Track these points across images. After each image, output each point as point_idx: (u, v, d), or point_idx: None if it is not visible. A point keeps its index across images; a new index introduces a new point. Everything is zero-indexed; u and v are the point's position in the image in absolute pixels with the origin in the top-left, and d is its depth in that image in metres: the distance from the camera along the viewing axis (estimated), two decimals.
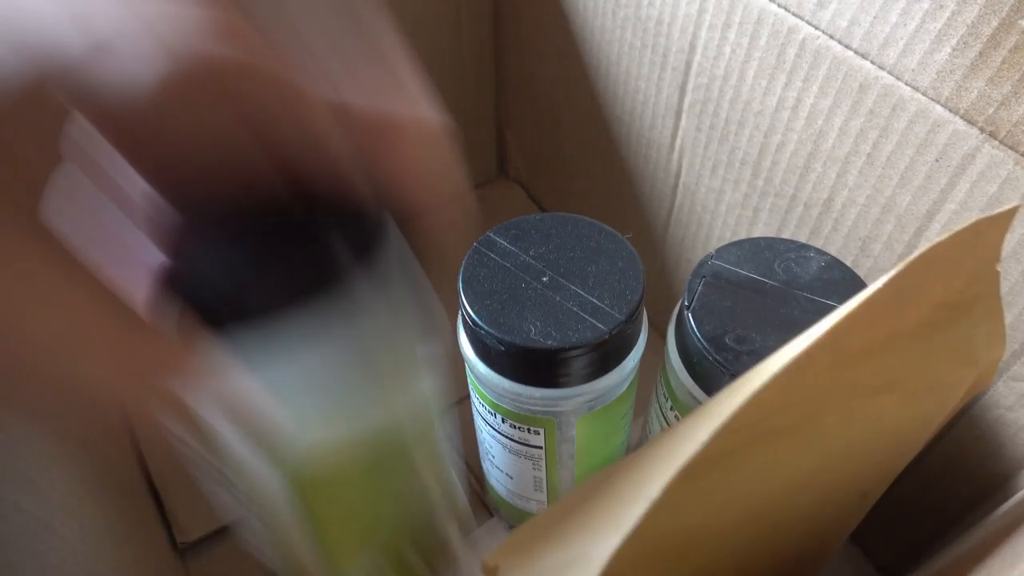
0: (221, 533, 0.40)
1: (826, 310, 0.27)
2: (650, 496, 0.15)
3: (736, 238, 0.36)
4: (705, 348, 0.26)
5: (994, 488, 0.30)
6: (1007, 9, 0.22)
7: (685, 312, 0.27)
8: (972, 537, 0.28)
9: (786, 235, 0.34)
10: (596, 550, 0.15)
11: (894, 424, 0.21)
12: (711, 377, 0.27)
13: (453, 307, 0.30)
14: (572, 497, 0.18)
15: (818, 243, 0.32)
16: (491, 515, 0.41)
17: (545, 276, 0.28)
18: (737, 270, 0.28)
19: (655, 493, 0.15)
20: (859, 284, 0.28)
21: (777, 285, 0.28)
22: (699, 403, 0.28)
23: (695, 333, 0.27)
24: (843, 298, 0.26)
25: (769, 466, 0.18)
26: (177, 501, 0.41)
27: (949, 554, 0.29)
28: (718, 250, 0.29)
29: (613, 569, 0.15)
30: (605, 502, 0.17)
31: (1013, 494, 0.29)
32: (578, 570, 0.15)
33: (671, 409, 0.30)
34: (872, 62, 0.26)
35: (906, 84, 0.26)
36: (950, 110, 0.25)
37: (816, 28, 0.28)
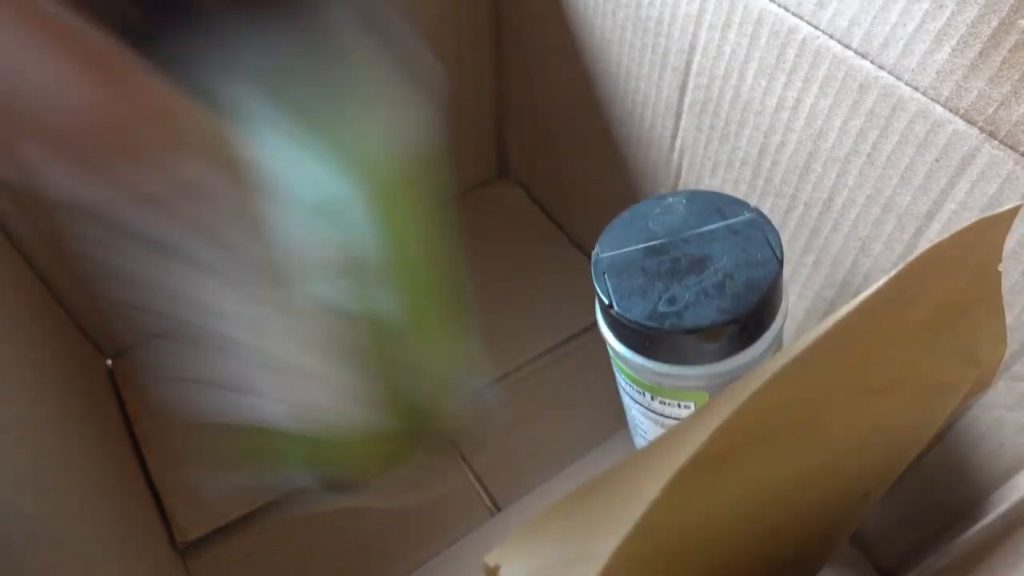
0: (221, 533, 0.41)
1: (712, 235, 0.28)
2: (651, 495, 0.15)
3: None
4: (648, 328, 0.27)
5: (994, 488, 0.30)
6: (1007, 9, 0.22)
7: (610, 312, 0.28)
8: (972, 537, 0.28)
9: (786, 235, 0.34)
10: (597, 549, 0.15)
11: (895, 424, 0.21)
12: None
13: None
14: (573, 496, 0.18)
15: (818, 243, 0.32)
16: (492, 515, 0.41)
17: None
18: (624, 251, 0.29)
19: (656, 492, 0.15)
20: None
21: (664, 241, 0.29)
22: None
23: (633, 322, 0.27)
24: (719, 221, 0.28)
25: (770, 466, 0.18)
26: (177, 501, 0.41)
27: (949, 554, 0.29)
28: (599, 244, 0.30)
29: (614, 568, 0.15)
30: (606, 501, 0.17)
31: (1013, 494, 0.29)
32: (579, 569, 0.15)
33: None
34: (872, 62, 0.26)
35: (906, 84, 0.26)
36: (950, 110, 0.25)
37: (816, 28, 0.28)
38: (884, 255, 0.30)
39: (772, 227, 0.29)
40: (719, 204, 0.30)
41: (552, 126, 0.49)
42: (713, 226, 0.29)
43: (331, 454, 0.24)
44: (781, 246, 0.28)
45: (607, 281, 0.28)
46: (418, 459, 0.27)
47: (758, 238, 0.28)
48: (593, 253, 0.29)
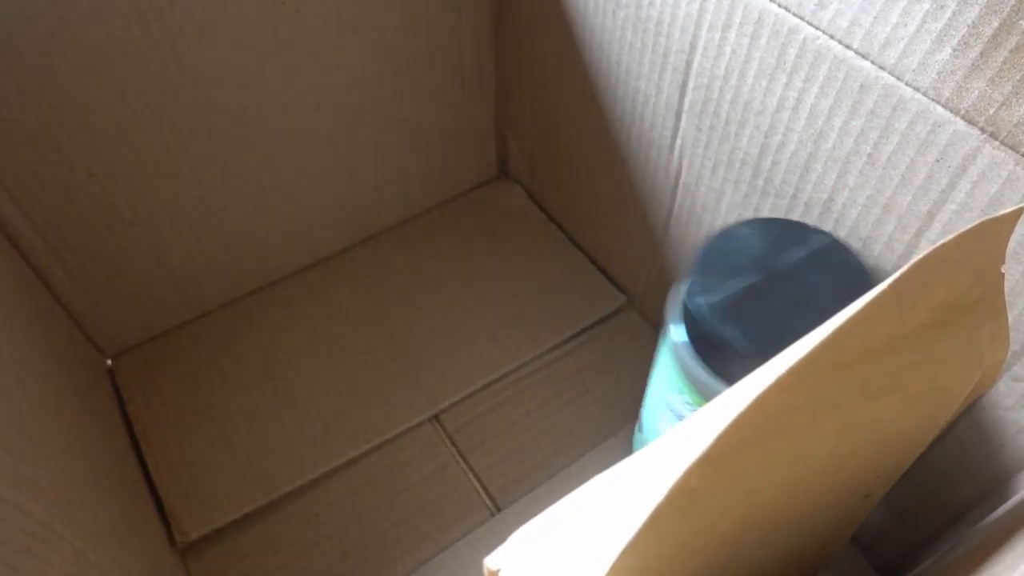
0: (221, 533, 0.41)
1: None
2: (654, 499, 0.15)
3: None
4: None
5: (994, 488, 0.30)
6: (1008, 10, 0.22)
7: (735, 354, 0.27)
8: (972, 537, 0.28)
9: None
10: (599, 553, 0.15)
11: (898, 425, 0.21)
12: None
13: None
14: (575, 499, 0.18)
15: None
16: (491, 515, 0.41)
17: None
18: (728, 293, 0.29)
19: (659, 496, 0.15)
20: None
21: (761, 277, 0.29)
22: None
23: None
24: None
25: (772, 468, 0.18)
26: (177, 501, 0.41)
27: (949, 554, 0.29)
28: (691, 286, 0.29)
29: (616, 572, 0.15)
30: (609, 505, 0.17)
31: (1013, 494, 0.29)
32: (581, 573, 0.15)
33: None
34: (873, 62, 0.26)
35: (907, 84, 0.26)
36: (951, 110, 0.25)
37: (817, 28, 0.28)
38: (885, 255, 0.30)
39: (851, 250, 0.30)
40: (790, 229, 0.30)
41: (552, 126, 0.49)
42: (799, 255, 0.29)
43: None
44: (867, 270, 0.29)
45: (731, 327, 0.27)
46: None
47: (848, 263, 0.29)
48: (691, 299, 0.28)
